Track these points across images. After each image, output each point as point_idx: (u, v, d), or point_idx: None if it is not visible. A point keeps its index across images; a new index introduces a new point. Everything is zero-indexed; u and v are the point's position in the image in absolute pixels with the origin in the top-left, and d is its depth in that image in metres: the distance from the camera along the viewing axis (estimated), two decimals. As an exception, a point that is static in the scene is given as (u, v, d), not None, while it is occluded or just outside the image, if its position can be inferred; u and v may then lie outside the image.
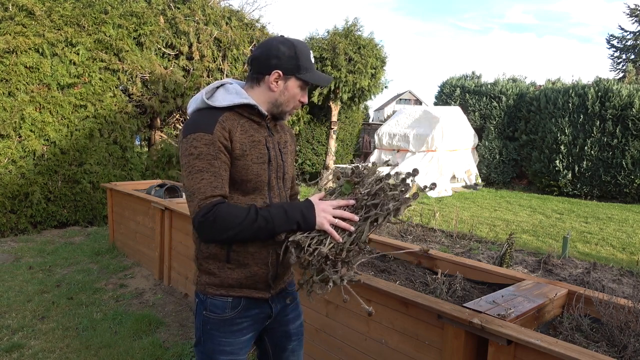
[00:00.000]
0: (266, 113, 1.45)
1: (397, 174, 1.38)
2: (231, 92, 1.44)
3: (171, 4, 7.98)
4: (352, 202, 1.35)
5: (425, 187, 1.51)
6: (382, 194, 1.34)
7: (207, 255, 1.44)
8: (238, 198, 1.41)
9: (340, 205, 1.34)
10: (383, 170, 1.43)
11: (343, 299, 1.32)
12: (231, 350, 1.44)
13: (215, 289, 1.43)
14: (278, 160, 1.48)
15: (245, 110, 1.43)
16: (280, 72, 1.42)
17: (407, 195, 1.35)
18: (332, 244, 1.30)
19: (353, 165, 1.44)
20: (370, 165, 1.44)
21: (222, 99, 1.42)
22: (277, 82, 1.43)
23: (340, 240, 1.29)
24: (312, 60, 1.45)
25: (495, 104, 13.11)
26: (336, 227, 1.31)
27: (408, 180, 1.38)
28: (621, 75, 21.81)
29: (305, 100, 1.48)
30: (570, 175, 11.17)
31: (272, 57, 1.42)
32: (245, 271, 1.41)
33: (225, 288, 1.43)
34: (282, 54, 1.42)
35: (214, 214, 1.26)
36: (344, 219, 1.32)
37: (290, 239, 1.31)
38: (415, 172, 1.38)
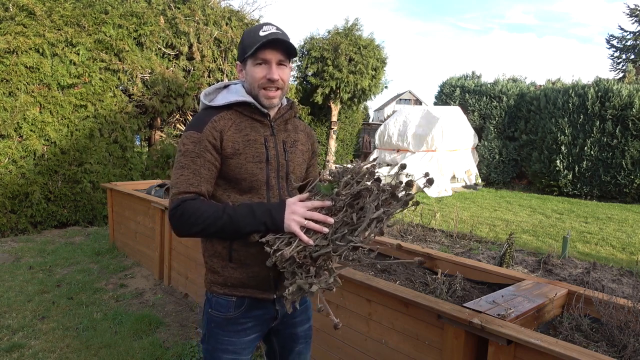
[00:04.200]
0: (265, 110, 1.44)
1: (396, 174, 1.29)
2: (231, 92, 1.46)
3: (171, 4, 7.98)
4: (328, 203, 1.26)
5: (422, 187, 1.39)
6: (368, 196, 1.22)
7: (212, 254, 1.45)
8: (235, 197, 1.40)
9: (315, 207, 1.26)
10: (380, 170, 1.33)
11: (317, 307, 1.24)
12: (234, 350, 1.44)
13: (220, 288, 1.44)
14: (280, 160, 1.45)
15: (245, 109, 1.43)
16: (239, 62, 1.47)
17: (397, 201, 1.21)
18: (300, 247, 1.21)
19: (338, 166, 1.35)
20: (359, 163, 1.33)
21: (221, 99, 1.45)
22: (241, 72, 1.47)
23: (311, 242, 1.20)
24: (262, 32, 1.36)
25: (495, 103, 13.11)
26: (309, 230, 1.24)
27: (400, 190, 1.23)
28: (621, 75, 21.82)
29: (273, 75, 1.37)
30: (570, 175, 11.17)
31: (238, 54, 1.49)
32: (248, 271, 1.41)
33: (228, 287, 1.43)
34: (238, 47, 1.48)
35: (182, 209, 1.28)
36: (317, 222, 1.24)
37: (259, 239, 1.28)
38: (410, 183, 1.25)
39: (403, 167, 1.32)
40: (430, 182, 1.26)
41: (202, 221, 1.27)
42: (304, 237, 1.21)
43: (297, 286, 1.19)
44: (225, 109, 1.42)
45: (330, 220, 1.23)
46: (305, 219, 1.24)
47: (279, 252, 1.21)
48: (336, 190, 1.27)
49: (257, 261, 1.39)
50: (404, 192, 1.24)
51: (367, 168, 1.30)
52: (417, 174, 10.57)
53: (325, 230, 1.22)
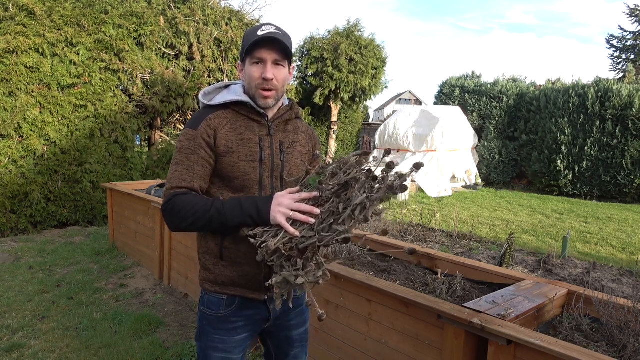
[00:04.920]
0: (262, 110, 1.44)
1: (381, 161, 1.25)
2: (230, 92, 1.47)
3: (171, 4, 7.98)
4: (314, 194, 1.26)
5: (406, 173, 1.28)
6: (356, 185, 1.20)
7: (205, 251, 1.46)
8: (228, 195, 1.41)
9: (302, 198, 1.26)
10: (379, 169, 1.29)
11: (306, 301, 1.22)
12: (224, 348, 1.45)
13: (211, 286, 1.45)
14: (275, 160, 1.45)
15: (242, 109, 1.43)
16: (240, 62, 1.48)
17: (385, 188, 1.17)
18: (286, 238, 1.20)
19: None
20: (350, 155, 1.31)
21: (219, 98, 1.46)
22: (242, 72, 1.47)
23: (297, 233, 1.19)
24: (260, 32, 1.35)
25: (495, 104, 13.10)
26: (296, 221, 1.23)
27: (390, 177, 1.20)
28: (621, 75, 21.82)
29: (268, 74, 1.36)
30: (570, 175, 11.17)
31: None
32: (238, 270, 1.42)
33: (219, 285, 1.44)
34: (240, 47, 1.50)
35: (172, 203, 1.31)
36: (304, 213, 1.23)
37: (246, 233, 1.28)
38: (392, 165, 1.22)
39: (390, 166, 1.27)
40: (417, 166, 1.22)
41: (191, 215, 1.29)
42: (290, 229, 1.21)
43: (283, 278, 1.18)
44: (222, 108, 1.43)
45: (317, 210, 1.22)
46: (292, 210, 1.24)
47: (264, 244, 1.20)
48: (327, 180, 1.26)
49: (247, 260, 1.40)
50: (389, 177, 1.20)
51: (355, 158, 1.28)
52: (415, 173, 10.56)
53: (312, 220, 1.21)
